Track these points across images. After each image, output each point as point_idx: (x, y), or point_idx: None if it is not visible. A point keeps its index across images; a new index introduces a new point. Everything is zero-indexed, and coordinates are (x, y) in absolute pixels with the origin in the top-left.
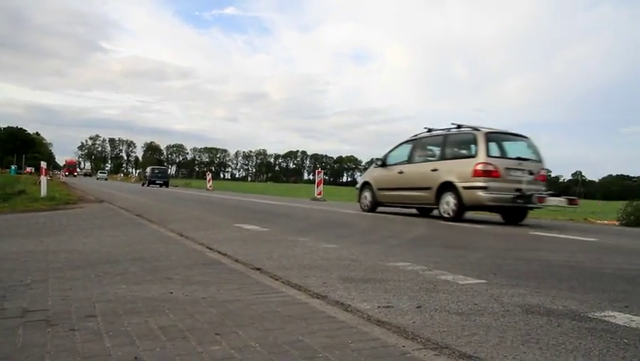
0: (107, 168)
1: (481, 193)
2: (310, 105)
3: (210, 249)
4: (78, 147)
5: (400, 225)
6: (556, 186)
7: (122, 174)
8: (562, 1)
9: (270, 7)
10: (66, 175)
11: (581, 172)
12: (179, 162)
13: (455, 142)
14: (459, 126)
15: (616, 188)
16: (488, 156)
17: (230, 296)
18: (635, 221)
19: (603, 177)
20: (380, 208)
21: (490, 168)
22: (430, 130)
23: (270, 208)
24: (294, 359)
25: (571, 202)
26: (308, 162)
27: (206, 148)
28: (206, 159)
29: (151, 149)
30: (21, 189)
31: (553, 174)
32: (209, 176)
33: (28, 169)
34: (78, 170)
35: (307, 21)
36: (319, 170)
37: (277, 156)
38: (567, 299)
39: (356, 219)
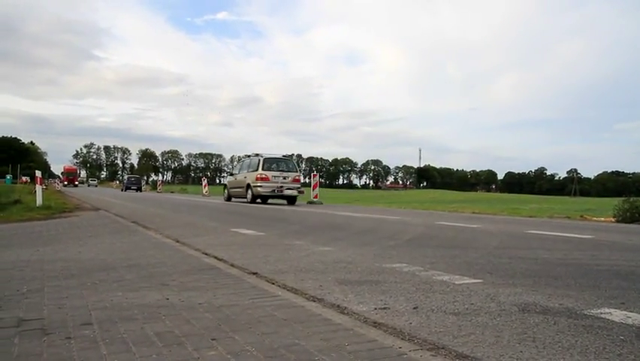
0: (102, 176)
1: (259, 189)
2: (305, 108)
3: (206, 254)
4: (73, 156)
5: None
6: (551, 184)
7: (117, 182)
8: None
9: (262, 11)
10: (64, 185)
11: (576, 170)
12: (175, 167)
13: (252, 162)
14: (257, 154)
15: (611, 184)
16: (262, 170)
17: (226, 301)
18: (630, 218)
19: (598, 174)
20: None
21: (263, 176)
22: (247, 155)
23: (266, 213)
24: None
25: (299, 192)
26: (304, 166)
27: (201, 154)
28: (202, 165)
29: (146, 156)
30: (16, 198)
31: (548, 172)
32: (204, 181)
33: (24, 179)
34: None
35: (300, 24)
36: (315, 173)
37: None
38: (563, 297)
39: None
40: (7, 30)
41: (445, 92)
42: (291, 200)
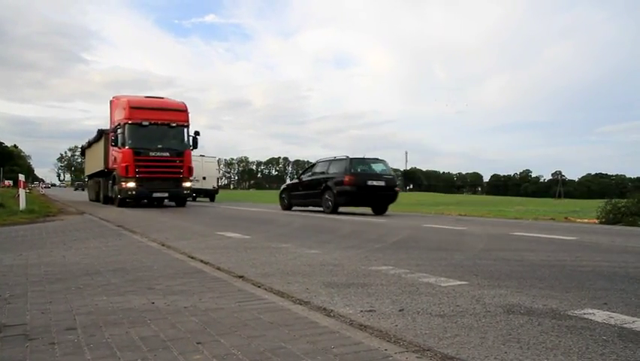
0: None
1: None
2: (293, 111)
3: (192, 258)
4: (57, 159)
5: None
6: (536, 186)
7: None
8: (540, 2)
9: (250, 14)
10: (123, 198)
11: (560, 172)
12: None
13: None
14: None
15: (595, 186)
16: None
17: (212, 305)
18: (613, 219)
19: (582, 176)
20: None
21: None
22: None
23: (252, 215)
24: None
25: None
26: (290, 169)
27: None
28: None
29: None
30: None
31: (533, 175)
32: None
33: (7, 182)
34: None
35: (288, 27)
36: None
37: (259, 163)
38: (547, 298)
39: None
40: None
41: (434, 95)
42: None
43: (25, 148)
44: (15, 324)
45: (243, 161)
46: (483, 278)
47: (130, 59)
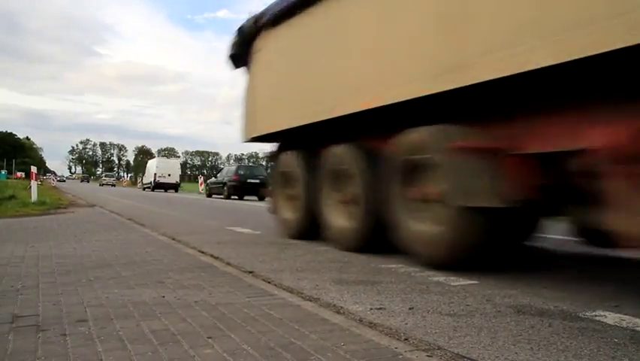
0: (98, 172)
1: (103, 181)
2: None
3: (202, 252)
4: (69, 152)
5: None
6: None
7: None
8: None
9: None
10: None
11: None
12: None
13: (104, 175)
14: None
15: None
16: (104, 177)
17: (222, 299)
18: None
19: None
20: None
21: (105, 179)
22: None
23: (262, 211)
24: None
25: (113, 184)
26: None
27: (197, 151)
28: (198, 162)
29: (142, 152)
30: (11, 194)
31: None
32: (201, 179)
33: (19, 174)
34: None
35: None
36: None
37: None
38: (558, 299)
39: None
40: (10, 26)
41: None
42: (112, 185)
43: (37, 140)
44: (27, 315)
45: (253, 156)
46: (493, 278)
47: (143, 54)
